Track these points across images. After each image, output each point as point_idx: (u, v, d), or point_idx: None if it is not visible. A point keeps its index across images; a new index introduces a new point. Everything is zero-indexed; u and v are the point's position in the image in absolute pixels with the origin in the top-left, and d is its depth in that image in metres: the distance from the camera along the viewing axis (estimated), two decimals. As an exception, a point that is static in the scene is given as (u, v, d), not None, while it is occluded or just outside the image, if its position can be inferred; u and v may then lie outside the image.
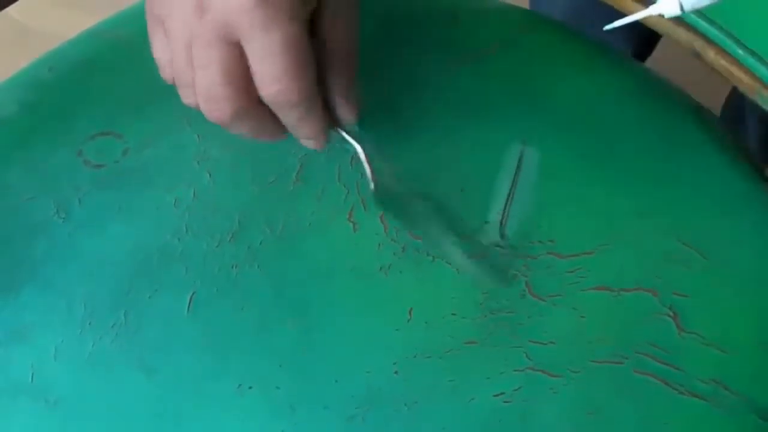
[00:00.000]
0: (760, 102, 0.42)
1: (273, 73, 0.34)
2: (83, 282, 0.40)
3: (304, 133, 0.38)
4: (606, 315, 0.38)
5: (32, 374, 0.38)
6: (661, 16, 0.33)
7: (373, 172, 0.41)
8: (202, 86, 0.35)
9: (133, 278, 0.40)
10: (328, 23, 0.37)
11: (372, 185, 0.41)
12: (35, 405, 0.37)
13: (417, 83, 0.46)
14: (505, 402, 0.36)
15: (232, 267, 0.40)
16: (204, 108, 0.36)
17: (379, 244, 0.40)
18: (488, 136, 0.44)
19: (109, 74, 0.48)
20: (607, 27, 0.34)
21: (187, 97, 0.37)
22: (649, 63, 0.88)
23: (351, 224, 0.41)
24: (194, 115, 0.46)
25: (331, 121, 0.39)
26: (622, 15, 0.44)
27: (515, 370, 0.37)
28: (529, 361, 0.37)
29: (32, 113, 0.47)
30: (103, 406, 0.37)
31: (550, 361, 0.37)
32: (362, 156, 0.41)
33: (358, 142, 0.40)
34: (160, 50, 0.37)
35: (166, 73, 0.38)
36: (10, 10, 1.15)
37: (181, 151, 0.44)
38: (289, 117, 0.37)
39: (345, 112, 0.39)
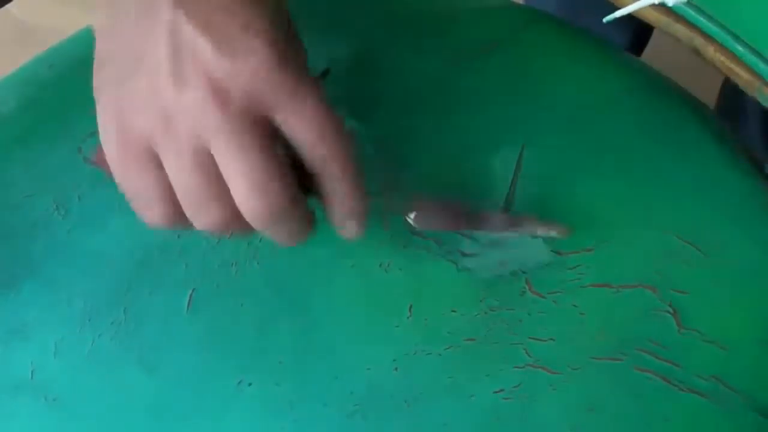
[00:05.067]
0: (759, 99, 0.42)
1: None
2: (83, 279, 0.40)
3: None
4: (606, 312, 0.38)
5: (32, 371, 0.38)
6: (663, 4, 0.31)
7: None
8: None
9: (133, 275, 0.40)
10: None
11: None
12: (35, 402, 0.37)
13: (417, 81, 0.46)
14: (504, 399, 0.36)
15: (232, 264, 0.40)
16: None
17: (379, 241, 0.40)
18: (488, 133, 0.44)
19: (109, 71, 0.48)
20: (607, 18, 0.33)
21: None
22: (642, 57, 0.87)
23: (351, 221, 0.41)
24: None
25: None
26: (614, 7, 0.44)
27: (515, 367, 0.37)
28: (528, 358, 0.37)
29: (32, 110, 0.47)
30: (103, 403, 0.37)
31: (550, 358, 0.37)
32: None
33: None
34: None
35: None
36: (11, 7, 1.15)
37: (180, 148, 0.44)
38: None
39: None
